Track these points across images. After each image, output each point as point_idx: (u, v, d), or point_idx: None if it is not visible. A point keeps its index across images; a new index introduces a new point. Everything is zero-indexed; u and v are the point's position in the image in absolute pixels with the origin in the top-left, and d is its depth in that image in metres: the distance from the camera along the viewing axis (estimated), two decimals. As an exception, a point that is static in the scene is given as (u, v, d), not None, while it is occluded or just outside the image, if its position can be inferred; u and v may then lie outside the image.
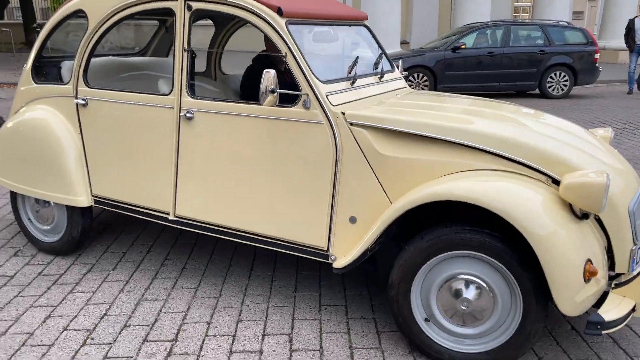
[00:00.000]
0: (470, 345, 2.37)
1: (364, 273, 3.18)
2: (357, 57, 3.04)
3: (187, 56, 2.87)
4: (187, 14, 2.85)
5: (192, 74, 2.90)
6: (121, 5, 3.02)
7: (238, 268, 3.26)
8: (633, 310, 2.32)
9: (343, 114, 2.56)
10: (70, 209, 3.32)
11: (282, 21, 2.65)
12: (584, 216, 2.28)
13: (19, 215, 3.55)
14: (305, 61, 2.62)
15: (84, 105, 3.19)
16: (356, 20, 3.44)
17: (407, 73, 3.75)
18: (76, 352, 2.42)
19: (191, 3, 2.83)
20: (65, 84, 3.26)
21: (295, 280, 3.11)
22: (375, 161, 2.54)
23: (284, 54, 2.63)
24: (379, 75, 3.20)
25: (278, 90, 2.51)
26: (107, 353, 2.42)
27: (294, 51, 2.61)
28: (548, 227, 2.14)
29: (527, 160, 2.38)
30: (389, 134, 2.54)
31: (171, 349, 2.46)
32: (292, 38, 2.63)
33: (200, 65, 4.36)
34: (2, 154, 3.47)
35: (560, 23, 11.45)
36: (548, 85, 10.99)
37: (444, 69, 10.75)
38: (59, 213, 3.39)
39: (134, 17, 3.09)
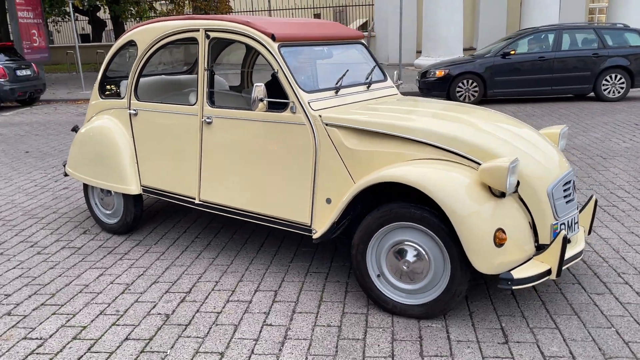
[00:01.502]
0: (409, 299, 2.95)
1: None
2: (347, 70, 3.71)
3: (207, 74, 3.66)
4: (207, 42, 3.64)
5: (211, 87, 3.68)
6: (160, 36, 3.88)
7: (251, 244, 4.00)
8: (548, 273, 2.80)
9: (320, 116, 3.23)
10: (126, 198, 4.20)
11: (275, 45, 3.37)
12: (502, 195, 2.80)
13: (89, 202, 4.51)
14: (292, 76, 3.31)
15: (135, 115, 4.07)
16: (353, 39, 4.10)
17: (402, 82, 4.35)
18: (116, 298, 3.26)
19: (209, 33, 3.62)
20: (122, 98, 4.17)
21: (293, 255, 3.80)
22: (344, 154, 3.18)
23: (276, 71, 3.34)
24: (367, 85, 3.83)
25: (266, 99, 3.23)
26: (138, 298, 3.24)
27: (283, 68, 3.32)
28: (462, 203, 2.69)
29: (461, 151, 2.94)
30: (354, 131, 3.18)
31: (184, 298, 3.23)
32: (283, 58, 3.34)
33: (235, 80, 5.18)
34: (77, 154, 4.43)
35: (618, 25, 11.35)
36: (603, 88, 10.93)
37: (494, 75, 11.00)
38: (118, 201, 4.29)
39: (173, 44, 3.94)
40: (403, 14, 19.78)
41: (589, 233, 3.39)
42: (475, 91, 11.11)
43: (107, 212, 4.40)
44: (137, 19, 22.48)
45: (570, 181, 3.07)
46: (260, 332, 2.83)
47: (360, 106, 3.51)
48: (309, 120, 3.24)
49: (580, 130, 8.03)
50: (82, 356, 2.66)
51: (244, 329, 2.87)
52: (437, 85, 11.35)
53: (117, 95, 4.33)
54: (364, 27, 24.15)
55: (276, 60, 3.33)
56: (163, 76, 4.82)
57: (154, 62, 5.22)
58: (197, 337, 2.81)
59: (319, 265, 3.62)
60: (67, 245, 4.14)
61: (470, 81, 11.12)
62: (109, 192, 4.33)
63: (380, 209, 2.97)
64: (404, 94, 13.13)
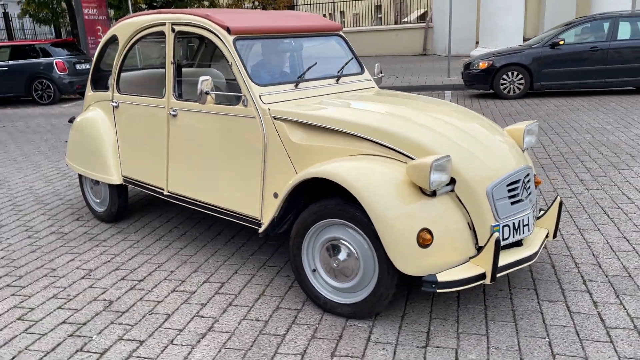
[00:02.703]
0: (339, 297, 2.88)
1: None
2: (315, 63, 3.68)
3: (174, 67, 3.73)
4: (172, 35, 3.71)
5: (178, 80, 3.74)
6: (136, 30, 4.00)
7: (222, 236, 4.06)
8: (482, 277, 2.64)
9: (269, 110, 3.21)
10: (110, 188, 4.37)
11: (230, 38, 3.37)
12: (433, 193, 2.67)
13: (83, 190, 4.73)
14: (245, 69, 3.30)
15: (116, 107, 4.22)
16: (329, 31, 4.02)
17: (382, 75, 4.24)
18: (74, 282, 3.41)
19: (174, 27, 3.69)
20: (107, 91, 4.33)
21: (257, 248, 3.81)
22: (290, 148, 3.15)
23: (230, 64, 3.35)
24: (337, 78, 3.75)
25: (213, 92, 3.24)
26: (93, 284, 3.38)
27: (236, 61, 3.32)
28: (383, 200, 2.58)
29: (397, 147, 2.82)
30: (298, 125, 3.14)
31: (135, 285, 3.33)
32: (237, 51, 3.34)
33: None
34: (72, 144, 4.66)
35: (683, 11, 10.42)
36: (664, 80, 10.10)
37: (541, 67, 10.42)
38: (105, 191, 4.47)
39: (147, 38, 4.04)
40: (462, 2, 19.19)
41: (554, 236, 3.17)
42: (521, 84, 10.58)
43: (97, 200, 4.60)
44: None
45: (518, 180, 2.87)
46: (189, 323, 2.87)
47: (318, 100, 3.45)
48: (259, 113, 3.22)
49: (622, 126, 7.47)
50: (16, 336, 2.81)
51: (174, 319, 2.92)
52: (481, 78, 10.91)
53: (106, 88, 4.50)
54: (422, 17, 23.61)
55: (230, 53, 3.34)
56: (160, 69, 4.95)
57: (154, 55, 5.37)
58: (128, 324, 2.89)
59: (277, 260, 3.61)
60: (56, 231, 4.37)
61: (515, 73, 10.60)
62: (97, 181, 4.52)
63: (316, 204, 2.92)
64: (452, 87, 12.64)
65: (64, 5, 26.27)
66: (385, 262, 2.65)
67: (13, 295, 3.28)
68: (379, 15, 28.85)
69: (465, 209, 2.74)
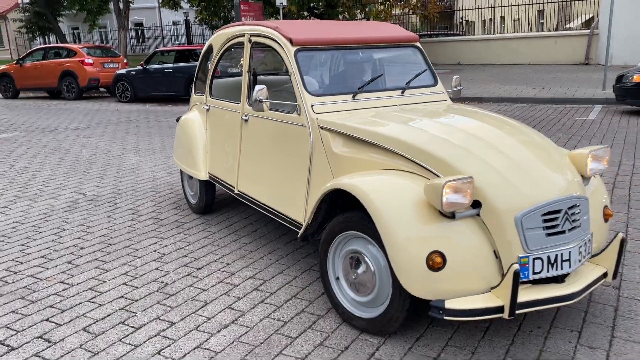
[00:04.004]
0: (355, 309, 2.88)
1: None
2: (381, 74, 3.72)
3: (249, 76, 4.00)
4: (249, 45, 3.98)
5: (251, 89, 3.99)
6: (224, 41, 4.37)
7: (286, 237, 4.24)
8: (499, 310, 2.46)
9: (317, 119, 3.32)
10: (200, 184, 4.80)
11: (292, 49, 3.54)
12: (452, 215, 2.55)
13: (183, 183, 5.25)
14: (302, 79, 3.44)
15: (208, 110, 4.63)
16: (403, 42, 3.99)
17: (461, 87, 4.08)
18: (145, 263, 3.84)
19: (251, 38, 3.96)
20: (203, 95, 4.77)
21: (313, 252, 3.92)
22: (331, 158, 3.23)
23: (289, 73, 3.51)
24: (402, 90, 3.72)
25: (267, 100, 3.42)
26: (159, 266, 3.77)
27: (295, 71, 3.47)
28: (394, 217, 2.54)
29: (427, 164, 2.75)
30: (340, 135, 3.20)
31: (192, 272, 3.65)
32: (297, 62, 3.49)
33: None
34: (176, 142, 5.19)
35: None
36: None
37: None
38: (197, 186, 4.92)
39: (233, 48, 4.36)
40: (635, 4, 17.25)
41: (614, 277, 2.81)
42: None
43: (191, 193, 5.08)
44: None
45: (559, 210, 2.60)
46: (219, 313, 3.09)
47: (374, 112, 3.46)
48: (308, 122, 3.34)
49: None
50: (80, 303, 3.27)
51: (209, 307, 3.17)
52: (634, 92, 9.75)
53: (203, 92, 4.94)
54: (588, 23, 21.61)
55: (290, 63, 3.50)
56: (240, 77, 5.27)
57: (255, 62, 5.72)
58: (169, 306, 3.19)
59: (325, 265, 3.69)
60: (155, 216, 4.92)
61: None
62: (191, 176, 4.99)
63: (343, 215, 2.95)
64: (603, 101, 11.45)
65: (234, 13, 28.77)
66: (398, 283, 2.60)
67: (96, 267, 3.80)
68: (541, 21, 27.01)
69: (492, 235, 2.57)
